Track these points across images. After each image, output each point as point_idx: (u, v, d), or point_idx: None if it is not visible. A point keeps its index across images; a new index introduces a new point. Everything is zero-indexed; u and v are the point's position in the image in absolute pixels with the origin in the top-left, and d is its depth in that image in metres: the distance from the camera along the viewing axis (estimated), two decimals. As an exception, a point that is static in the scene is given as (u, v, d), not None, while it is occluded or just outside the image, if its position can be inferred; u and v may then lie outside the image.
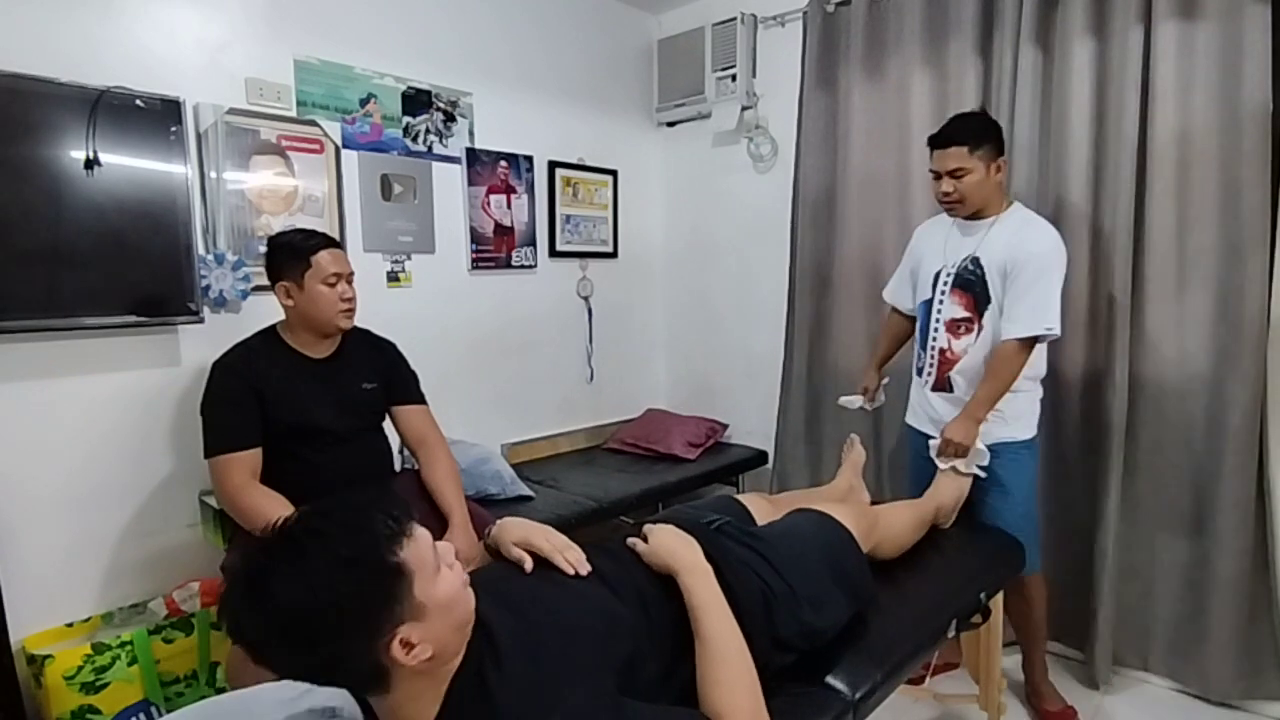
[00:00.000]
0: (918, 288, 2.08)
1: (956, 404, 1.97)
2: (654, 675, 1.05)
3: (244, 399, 1.74)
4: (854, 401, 2.26)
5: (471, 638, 0.91)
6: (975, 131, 1.85)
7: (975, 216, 1.93)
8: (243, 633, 0.80)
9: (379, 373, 1.95)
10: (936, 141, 1.88)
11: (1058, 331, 1.82)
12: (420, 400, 2.02)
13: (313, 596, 0.76)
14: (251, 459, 1.73)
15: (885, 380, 2.29)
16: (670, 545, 1.18)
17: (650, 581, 1.16)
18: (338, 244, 1.85)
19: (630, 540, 1.23)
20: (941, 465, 1.89)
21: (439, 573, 0.86)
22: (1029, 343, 1.83)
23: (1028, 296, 1.81)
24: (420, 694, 0.86)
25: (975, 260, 1.91)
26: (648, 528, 1.24)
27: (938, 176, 1.89)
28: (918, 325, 2.08)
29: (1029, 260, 1.82)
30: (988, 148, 1.85)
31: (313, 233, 1.84)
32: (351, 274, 1.85)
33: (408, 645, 0.80)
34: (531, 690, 0.89)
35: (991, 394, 1.84)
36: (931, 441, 1.93)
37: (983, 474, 1.90)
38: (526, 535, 1.16)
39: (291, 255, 1.77)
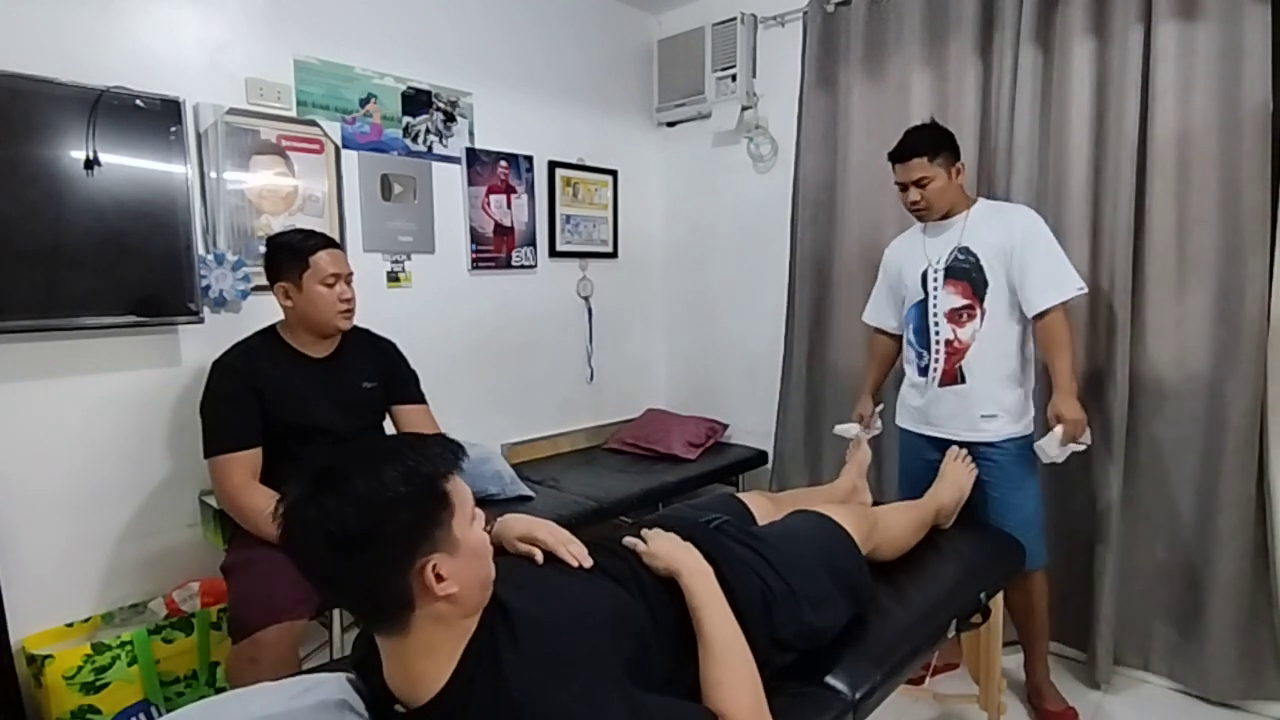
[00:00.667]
0: (907, 295, 2.09)
1: (967, 397, 1.97)
2: (659, 677, 1.06)
3: (244, 399, 1.74)
4: (850, 430, 2.27)
5: (489, 609, 0.93)
6: (932, 142, 1.94)
7: (945, 217, 2.00)
8: (297, 528, 0.82)
9: (379, 372, 1.95)
10: (898, 156, 1.96)
11: (1085, 287, 1.89)
12: (420, 400, 2.02)
13: (376, 494, 0.81)
14: (251, 459, 1.73)
15: (880, 406, 2.31)
16: (669, 548, 1.19)
17: (653, 580, 1.17)
18: (336, 244, 1.84)
19: (628, 540, 1.23)
20: (1059, 456, 1.85)
21: (474, 521, 0.91)
22: (1064, 306, 1.87)
23: (1041, 266, 1.87)
24: (436, 646, 0.87)
25: (965, 249, 1.95)
26: (645, 532, 1.24)
27: (904, 187, 1.97)
28: (912, 328, 2.08)
29: (1025, 235, 1.89)
30: (946, 155, 1.94)
31: (311, 233, 1.83)
32: (350, 274, 1.84)
33: (438, 576, 0.84)
34: (543, 672, 0.89)
35: (1068, 364, 1.86)
36: (1055, 432, 1.84)
37: (1083, 447, 1.88)
38: (529, 530, 1.18)
39: (290, 256, 1.77)
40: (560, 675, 0.89)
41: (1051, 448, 1.85)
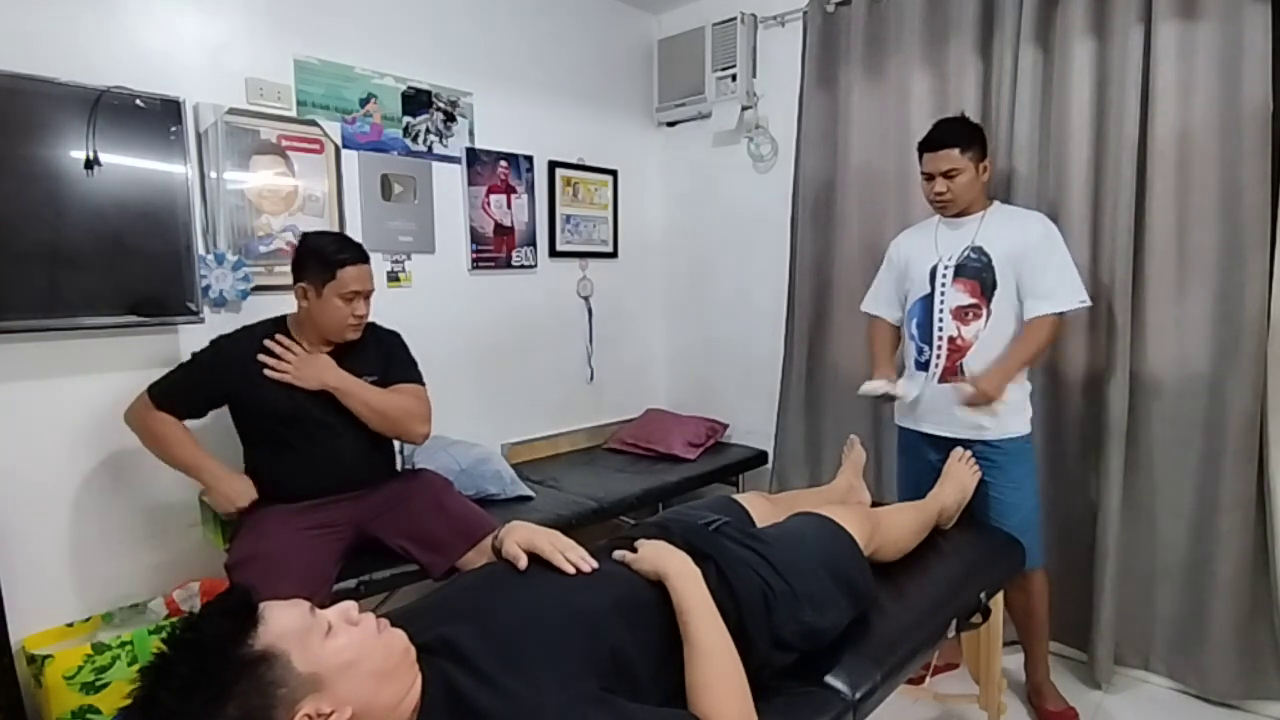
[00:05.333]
0: (912, 288, 2.08)
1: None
2: (641, 679, 1.05)
3: (205, 387, 1.80)
4: (878, 387, 2.09)
5: (430, 659, 0.92)
6: (963, 134, 1.95)
7: (961, 214, 2.00)
8: None
9: (380, 364, 1.94)
10: (929, 145, 1.97)
11: (1088, 301, 1.92)
12: (413, 380, 1.97)
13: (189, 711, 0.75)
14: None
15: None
16: (659, 550, 1.19)
17: (635, 586, 1.16)
18: (367, 258, 1.84)
19: (618, 553, 1.23)
20: (905, 395, 1.96)
21: (329, 636, 0.84)
22: (1062, 316, 1.90)
23: (1052, 272, 1.89)
24: None
25: (978, 249, 1.96)
26: (638, 542, 1.24)
27: (929, 178, 1.98)
28: (915, 322, 2.08)
29: (1040, 241, 1.91)
30: (975, 149, 1.95)
31: (346, 243, 1.83)
32: (371, 291, 1.84)
33: (321, 715, 0.80)
34: (513, 690, 0.89)
35: (1025, 356, 1.90)
36: (961, 386, 1.88)
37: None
38: (530, 536, 1.19)
39: (319, 264, 1.77)
40: (531, 694, 0.89)
41: (912, 389, 1.99)
